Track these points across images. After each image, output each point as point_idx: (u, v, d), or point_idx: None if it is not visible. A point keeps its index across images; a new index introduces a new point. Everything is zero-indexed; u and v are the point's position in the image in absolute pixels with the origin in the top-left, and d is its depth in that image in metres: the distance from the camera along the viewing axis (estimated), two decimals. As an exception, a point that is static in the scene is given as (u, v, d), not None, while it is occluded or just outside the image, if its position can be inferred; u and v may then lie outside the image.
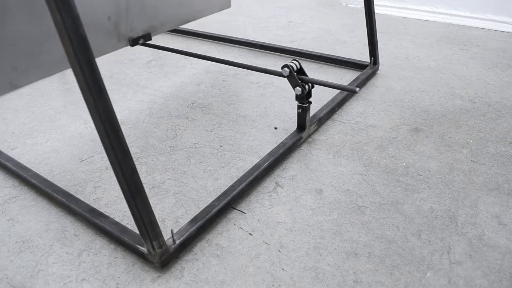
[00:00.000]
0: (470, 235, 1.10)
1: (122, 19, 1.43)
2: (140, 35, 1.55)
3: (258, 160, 1.37)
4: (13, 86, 1.17)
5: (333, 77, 1.99)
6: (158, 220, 1.18)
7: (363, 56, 2.21)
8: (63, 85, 2.03)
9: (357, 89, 1.27)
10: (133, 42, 1.53)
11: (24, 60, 1.18)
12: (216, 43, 2.49)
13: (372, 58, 1.97)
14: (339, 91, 1.76)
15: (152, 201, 1.26)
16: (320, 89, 1.85)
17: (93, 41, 1.36)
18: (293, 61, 1.38)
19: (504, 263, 1.02)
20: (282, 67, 1.36)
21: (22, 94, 1.96)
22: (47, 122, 1.72)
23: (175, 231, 1.13)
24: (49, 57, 1.24)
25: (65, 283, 1.02)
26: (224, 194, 1.21)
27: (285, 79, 1.93)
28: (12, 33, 1.12)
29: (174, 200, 1.26)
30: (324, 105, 1.65)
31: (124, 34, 1.47)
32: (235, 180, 1.27)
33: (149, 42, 1.61)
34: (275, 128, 1.60)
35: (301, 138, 1.48)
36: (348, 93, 1.74)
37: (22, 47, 1.16)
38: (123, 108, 1.80)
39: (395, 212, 1.18)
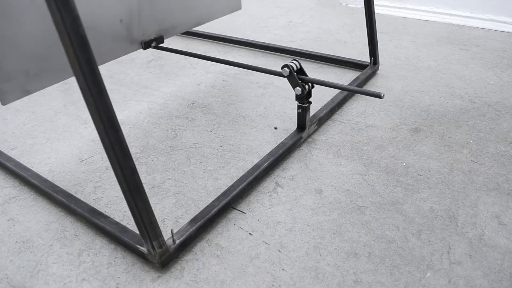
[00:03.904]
0: (470, 235, 1.10)
1: (135, 22, 1.42)
2: (153, 37, 1.54)
3: (258, 160, 1.37)
4: (25, 91, 1.15)
5: (333, 77, 1.99)
6: (158, 220, 1.18)
7: (363, 56, 2.21)
8: (63, 85, 2.03)
9: (382, 94, 1.23)
10: (146, 45, 1.51)
11: (36, 65, 1.17)
12: (216, 43, 2.49)
13: (372, 58, 1.97)
14: (339, 91, 1.76)
15: (152, 201, 1.26)
16: (320, 89, 1.85)
17: (105, 45, 1.35)
18: (293, 61, 1.38)
19: (504, 263, 1.02)
20: (282, 67, 1.36)
21: (22, 94, 1.96)
22: (47, 122, 1.72)
23: (175, 231, 1.13)
24: (61, 61, 1.23)
25: (65, 283, 1.02)
26: (224, 194, 1.21)
27: (285, 79, 1.93)
28: (23, 37, 1.12)
29: (174, 200, 1.26)
30: (324, 105, 1.65)
31: (136, 37, 1.46)
32: (235, 180, 1.27)
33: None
34: (275, 128, 1.60)
35: (301, 138, 1.48)
36: (348, 93, 1.74)
37: (33, 51, 1.15)
38: (123, 108, 1.80)
39: (395, 212, 1.18)
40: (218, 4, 1.80)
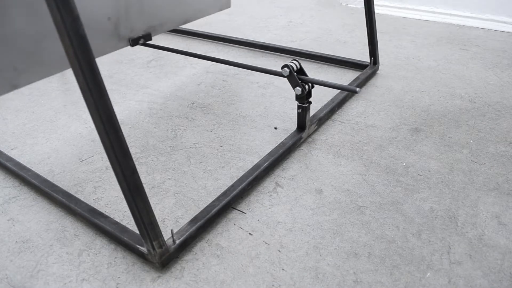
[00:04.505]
0: (470, 235, 1.10)
1: (122, 20, 1.43)
2: (140, 35, 1.55)
3: (258, 160, 1.37)
4: (13, 86, 1.16)
5: (333, 77, 1.99)
6: (158, 220, 1.18)
7: (363, 56, 2.21)
8: (63, 85, 2.03)
9: (358, 89, 1.27)
10: (133, 42, 1.53)
11: (24, 60, 1.18)
12: (216, 43, 2.49)
13: (372, 58, 1.97)
14: (339, 91, 1.76)
15: (152, 201, 1.26)
16: (320, 89, 1.85)
17: (93, 42, 1.37)
18: (293, 61, 1.38)
19: (504, 263, 1.02)
20: (282, 67, 1.36)
21: (22, 94, 1.96)
22: (47, 122, 1.72)
23: (175, 231, 1.13)
24: (49, 57, 1.24)
25: (65, 283, 1.02)
26: (224, 194, 1.21)
27: (285, 79, 1.93)
28: (11, 32, 1.12)
29: (174, 200, 1.26)
30: (324, 105, 1.65)
31: (124, 34, 1.47)
32: (235, 180, 1.27)
33: (149, 42, 1.61)
34: (275, 128, 1.60)
35: (301, 138, 1.48)
36: (348, 93, 1.74)
37: (21, 47, 1.16)
38: (123, 108, 1.80)
39: (395, 212, 1.18)
40: (206, 2, 1.80)
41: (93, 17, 1.34)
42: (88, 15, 1.33)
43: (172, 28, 1.71)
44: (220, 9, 1.90)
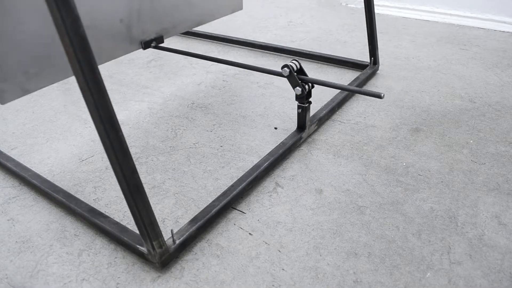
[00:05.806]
0: (470, 235, 1.10)
1: (134, 22, 1.42)
2: (153, 37, 1.54)
3: (258, 160, 1.37)
4: (25, 91, 1.16)
5: (333, 77, 1.99)
6: (158, 220, 1.18)
7: (363, 56, 2.21)
8: (63, 85, 2.03)
9: (382, 94, 1.22)
10: (145, 45, 1.51)
11: (35, 64, 1.17)
12: (216, 43, 2.49)
13: (372, 58, 1.97)
14: (339, 91, 1.76)
15: (152, 201, 1.26)
16: (320, 89, 1.85)
17: (106, 44, 1.35)
18: (293, 61, 1.38)
19: (504, 263, 1.02)
20: (282, 67, 1.36)
21: (22, 94, 1.96)
22: (47, 122, 1.72)
23: (175, 231, 1.13)
24: (60, 61, 1.23)
25: (65, 283, 1.02)
26: (224, 194, 1.21)
27: (285, 79, 1.93)
28: (21, 35, 1.12)
29: (174, 200, 1.26)
30: (324, 105, 1.65)
31: (136, 37, 1.46)
32: (235, 180, 1.27)
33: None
34: (275, 128, 1.60)
35: (301, 138, 1.48)
36: (348, 93, 1.74)
37: (33, 50, 1.15)
38: (123, 108, 1.80)
39: (395, 212, 1.18)
40: (219, 4, 1.80)
41: (105, 19, 1.33)
42: (100, 17, 1.31)
43: (185, 31, 1.69)
44: (233, 11, 1.89)
